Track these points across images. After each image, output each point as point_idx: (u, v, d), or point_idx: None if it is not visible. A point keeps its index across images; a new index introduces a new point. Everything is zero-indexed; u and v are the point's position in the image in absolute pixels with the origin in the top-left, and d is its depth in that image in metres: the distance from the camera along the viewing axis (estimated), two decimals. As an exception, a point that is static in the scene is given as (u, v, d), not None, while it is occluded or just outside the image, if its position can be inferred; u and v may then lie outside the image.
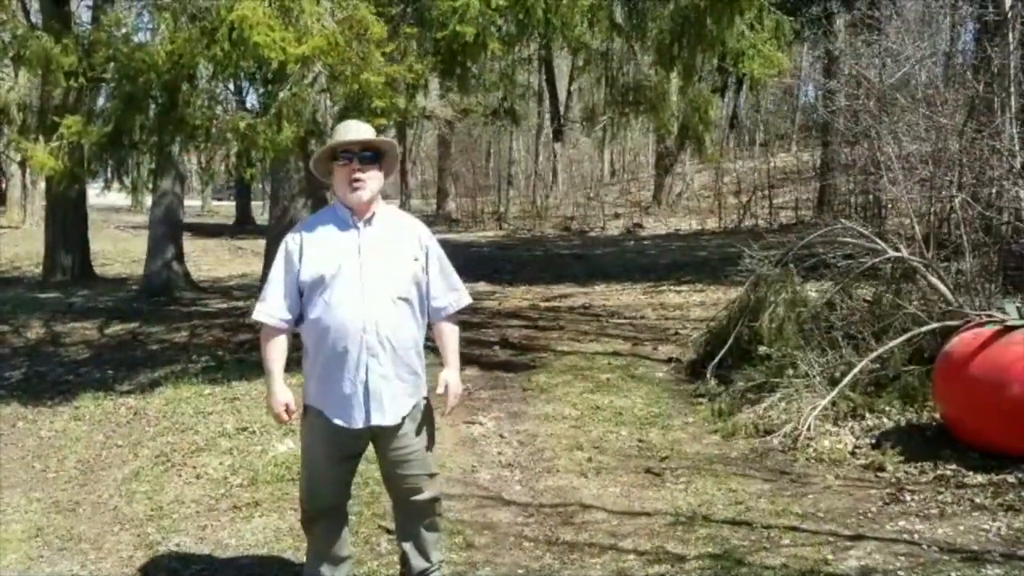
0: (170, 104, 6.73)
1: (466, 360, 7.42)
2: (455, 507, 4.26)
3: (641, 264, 14.91)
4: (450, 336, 3.22)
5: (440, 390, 3.14)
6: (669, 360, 7.28)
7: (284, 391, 3.04)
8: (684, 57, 6.94)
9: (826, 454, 4.78)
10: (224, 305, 11.92)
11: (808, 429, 5.01)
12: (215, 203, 44.26)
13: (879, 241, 5.81)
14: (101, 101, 7.37)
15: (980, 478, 4.24)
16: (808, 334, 5.93)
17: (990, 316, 4.78)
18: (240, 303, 11.50)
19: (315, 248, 2.99)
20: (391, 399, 2.97)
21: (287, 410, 3.03)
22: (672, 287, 11.55)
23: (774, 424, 5.23)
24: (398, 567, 3.39)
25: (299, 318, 3.05)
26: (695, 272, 12.41)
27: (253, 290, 10.55)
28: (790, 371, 5.73)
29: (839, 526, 3.86)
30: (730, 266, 7.31)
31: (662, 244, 18.75)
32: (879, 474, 4.48)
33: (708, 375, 6.28)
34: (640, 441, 5.24)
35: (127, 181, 7.43)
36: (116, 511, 4.44)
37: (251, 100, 8.16)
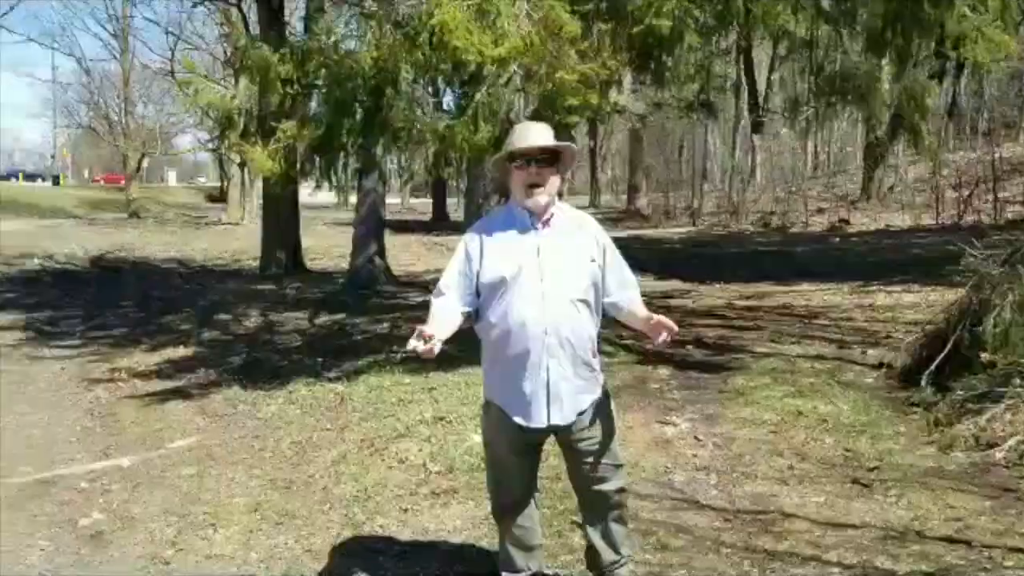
0: (375, 108, 7.07)
1: (659, 359, 7.35)
2: (648, 507, 4.21)
3: (848, 262, 14.14)
4: (637, 309, 3.16)
5: (652, 322, 3.01)
6: (879, 365, 6.83)
7: (431, 328, 2.93)
8: (898, 43, 6.48)
9: (1056, 470, 4.32)
10: (422, 299, 12.40)
11: (1037, 443, 4.55)
12: (413, 200, 46.34)
13: None
14: (313, 106, 7.86)
15: None
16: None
17: None
18: (438, 297, 11.93)
19: (494, 249, 3.02)
20: (570, 398, 3.01)
21: (424, 335, 2.85)
22: (882, 287, 10.85)
23: (998, 437, 4.79)
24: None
25: (475, 316, 3.13)
26: (908, 271, 11.58)
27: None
28: (1017, 380, 5.23)
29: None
30: (948, 265, 6.76)
31: (871, 241, 17.71)
32: None
33: (923, 382, 5.83)
34: (847, 450, 4.95)
35: (334, 181, 7.90)
36: (325, 491, 4.73)
37: (447, 102, 8.40)
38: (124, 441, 6.07)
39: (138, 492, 4.91)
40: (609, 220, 27.31)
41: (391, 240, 20.05)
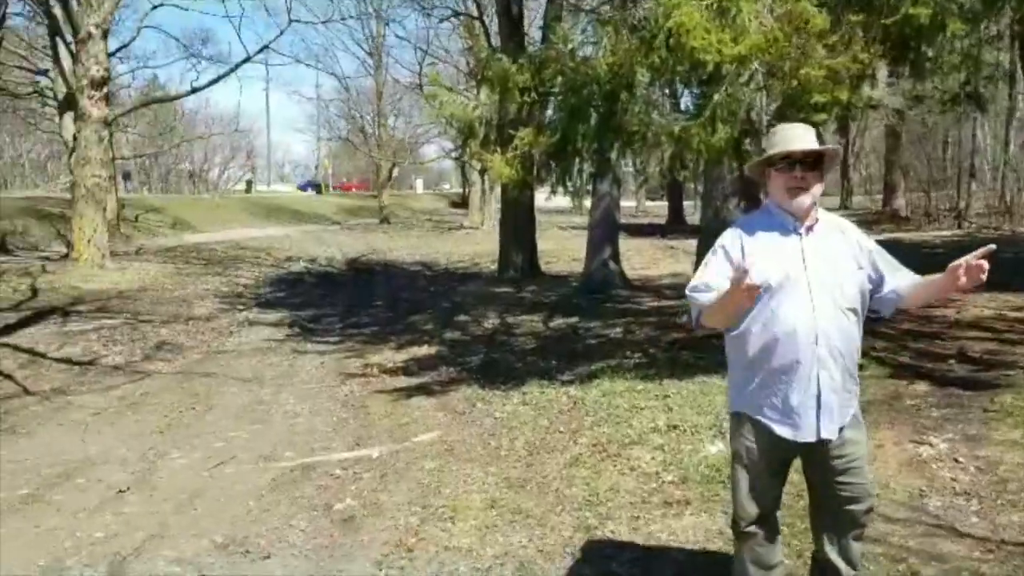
0: (609, 113, 7.09)
1: (915, 374, 6.80)
2: (899, 532, 3.90)
3: None
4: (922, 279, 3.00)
5: (954, 269, 2.75)
6: None
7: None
8: None
9: None
10: (656, 303, 12.33)
11: None
12: (648, 203, 46.11)
13: None
14: (549, 113, 8.01)
15: None
16: None
17: None
18: (672, 302, 11.79)
19: (758, 252, 2.88)
20: (839, 410, 2.91)
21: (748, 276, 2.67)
22: None
23: None
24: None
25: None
26: None
27: (683, 290, 10.74)
28: None
29: None
30: None
31: None
32: None
33: None
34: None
35: (569, 186, 8.01)
36: (558, 492, 4.80)
37: (685, 103, 8.27)
38: (374, 432, 6.50)
39: (385, 481, 5.24)
40: (864, 222, 25.60)
41: (625, 244, 20.09)
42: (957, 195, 24.42)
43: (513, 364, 8.83)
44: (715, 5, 6.37)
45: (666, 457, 5.19)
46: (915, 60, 6.52)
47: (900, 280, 3.01)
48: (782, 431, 2.91)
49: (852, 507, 3.02)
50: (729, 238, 2.98)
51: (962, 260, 2.72)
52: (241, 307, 13.80)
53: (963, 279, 2.72)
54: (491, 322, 11.70)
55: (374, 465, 5.63)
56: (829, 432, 2.89)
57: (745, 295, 2.67)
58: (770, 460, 2.99)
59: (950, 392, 6.29)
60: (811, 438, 2.89)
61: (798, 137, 2.93)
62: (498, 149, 8.14)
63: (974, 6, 6.51)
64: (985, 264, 2.68)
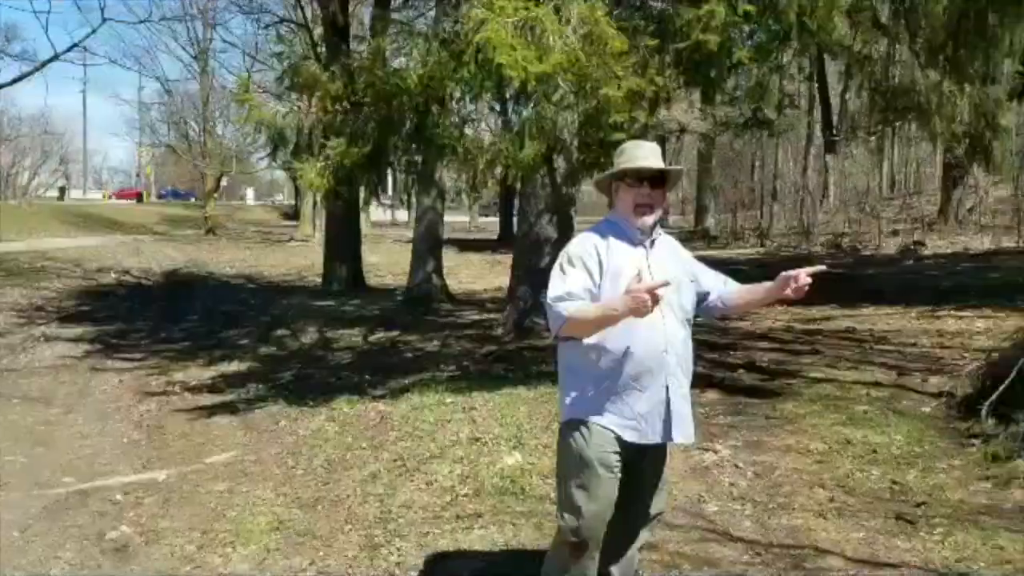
0: (420, 125, 7.07)
1: (707, 383, 7.13)
2: (675, 539, 4.04)
3: (919, 286, 13.58)
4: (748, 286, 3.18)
5: (781, 279, 2.93)
6: (940, 394, 6.48)
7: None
8: (960, 56, 6.18)
9: None
10: (477, 317, 12.39)
11: (1106, 484, 4.22)
12: (482, 219, 46.57)
13: None
14: (361, 124, 7.90)
15: None
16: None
17: None
18: (493, 315, 11.87)
19: (614, 264, 2.94)
20: (689, 418, 3.02)
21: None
22: (953, 312, 10.37)
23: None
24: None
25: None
26: (983, 296, 11.06)
27: (504, 303, 10.86)
28: (1088, 414, 4.89)
29: None
30: None
31: (946, 264, 17.01)
32: None
33: (984, 413, 5.50)
34: (894, 483, 4.68)
35: (383, 199, 7.93)
36: (350, 511, 4.67)
37: (498, 120, 8.38)
38: (166, 454, 6.14)
39: (168, 506, 4.94)
40: (677, 240, 26.90)
41: (455, 258, 20.10)
42: (760, 216, 26.06)
43: (326, 379, 8.61)
44: (522, 23, 6.48)
45: (464, 470, 5.17)
46: (707, 86, 6.87)
47: (723, 289, 3.17)
48: (629, 436, 2.94)
49: (655, 509, 3.15)
50: (584, 249, 2.98)
51: (795, 272, 2.88)
52: (40, 321, 12.78)
53: (791, 290, 2.90)
54: (310, 336, 11.39)
55: (160, 489, 5.31)
56: (684, 436, 2.99)
57: (644, 307, 2.70)
58: (610, 465, 2.96)
59: (738, 400, 6.64)
60: (659, 440, 2.97)
61: (648, 155, 3.02)
62: (309, 158, 7.95)
63: (760, 37, 6.95)
64: (809, 279, 2.86)
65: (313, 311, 13.55)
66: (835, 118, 25.00)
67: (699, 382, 7.08)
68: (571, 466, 2.99)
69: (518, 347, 9.30)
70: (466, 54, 6.59)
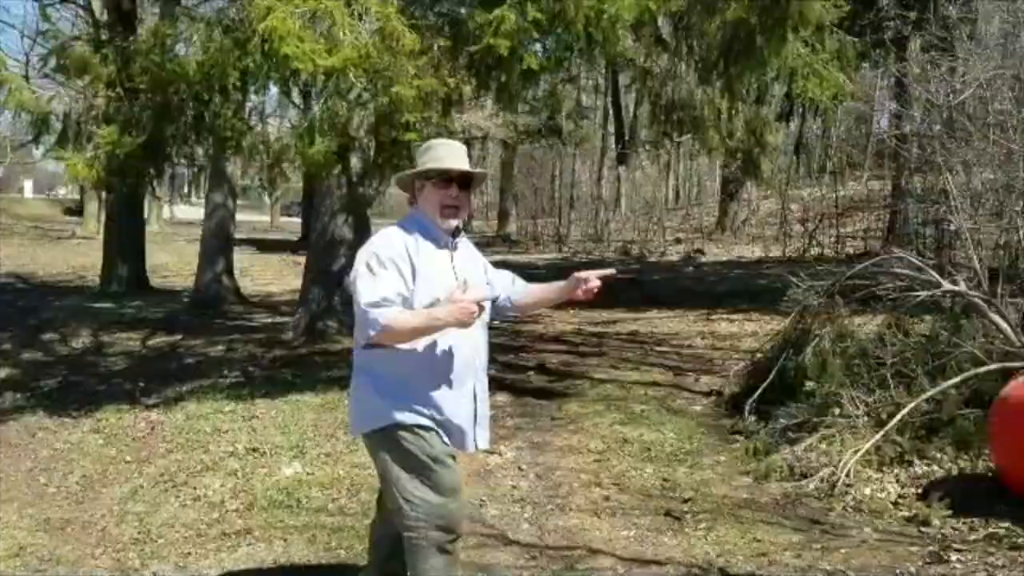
0: (200, 115, 6.66)
1: (498, 385, 7.17)
2: (453, 544, 3.97)
3: (697, 291, 14.44)
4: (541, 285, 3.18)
5: (573, 279, 2.96)
6: (710, 393, 6.87)
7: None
8: (731, 74, 6.58)
9: (866, 503, 4.34)
10: (269, 320, 11.88)
11: (848, 475, 4.57)
12: (284, 219, 45.03)
13: (933, 274, 5.34)
14: (136, 111, 7.35)
15: (1037, 540, 3.77)
16: (855, 371, 5.48)
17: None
18: (286, 318, 11.43)
19: (424, 266, 2.81)
20: (488, 422, 2.97)
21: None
22: (726, 315, 11.08)
23: (811, 467, 4.81)
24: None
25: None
26: (752, 300, 11.88)
27: (297, 306, 10.46)
28: (835, 410, 5.31)
29: (871, 589, 3.45)
30: (787, 296, 6.87)
31: (722, 271, 18.22)
32: (923, 529, 4.04)
33: (747, 411, 5.86)
34: (665, 480, 4.87)
35: (160, 192, 7.40)
36: (104, 532, 4.28)
37: (291, 113, 8.07)
38: None
39: None
40: (479, 245, 27.10)
41: (253, 259, 19.25)
42: (559, 222, 26.89)
43: (95, 387, 7.94)
44: (311, 14, 6.24)
45: (237, 483, 4.88)
46: (499, 90, 6.92)
47: (512, 289, 3.13)
48: (449, 444, 2.87)
49: None
50: (395, 250, 2.81)
51: (586, 274, 2.90)
52: None
53: (581, 292, 2.93)
54: (82, 341, 10.47)
55: None
56: (483, 441, 2.94)
57: (470, 319, 2.67)
58: (445, 460, 2.83)
59: (526, 402, 6.72)
60: (470, 449, 2.91)
61: (456, 156, 2.94)
62: (78, 147, 7.29)
63: (551, 45, 7.09)
64: (598, 283, 2.91)
65: (88, 313, 12.48)
66: (627, 131, 26.31)
67: (490, 384, 7.13)
68: (411, 469, 2.79)
69: (309, 351, 8.99)
70: (251, 43, 6.27)
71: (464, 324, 2.70)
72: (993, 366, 4.83)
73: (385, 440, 2.81)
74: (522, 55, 6.45)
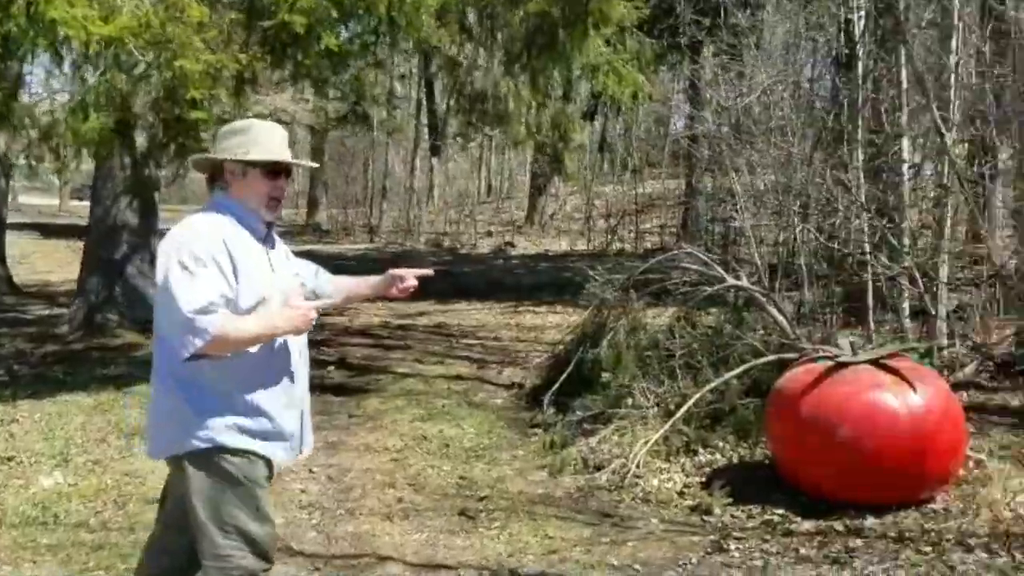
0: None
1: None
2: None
3: (505, 283, 14.59)
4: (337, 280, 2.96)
5: (389, 275, 2.84)
6: (511, 385, 6.88)
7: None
8: (534, 66, 6.59)
9: (653, 494, 4.43)
10: (44, 311, 10.85)
11: (637, 466, 4.66)
12: (74, 203, 41.59)
13: (718, 269, 5.57)
14: None
15: (807, 525, 3.97)
16: (647, 363, 5.63)
17: (825, 351, 4.56)
18: (64, 310, 10.46)
19: (244, 262, 2.47)
20: (309, 428, 2.73)
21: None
22: (532, 307, 11.23)
23: (604, 459, 4.88)
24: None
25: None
26: (557, 293, 12.12)
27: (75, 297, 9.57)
28: (628, 401, 5.43)
29: (656, 581, 3.50)
30: (585, 289, 6.96)
31: (530, 264, 18.54)
32: (705, 518, 4.16)
33: (545, 403, 5.89)
34: (461, 478, 4.77)
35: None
36: None
37: (63, 85, 7.33)
38: None
39: None
40: (288, 234, 26.36)
41: (36, 245, 17.65)
42: (370, 213, 26.47)
43: None
44: (82, -24, 5.66)
45: (-15, 497, 4.32)
46: (295, 68, 6.58)
47: (317, 282, 2.88)
48: (283, 454, 2.56)
49: None
50: (215, 245, 2.44)
51: (403, 272, 2.79)
52: None
53: (396, 290, 2.80)
54: None
55: None
56: (309, 446, 2.72)
57: (309, 327, 2.49)
58: (264, 484, 2.54)
59: (325, 399, 6.43)
60: (296, 456, 2.66)
61: (283, 142, 2.64)
62: None
63: (354, 26, 6.84)
64: (415, 282, 2.80)
65: None
66: (439, 122, 26.25)
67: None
68: (231, 495, 2.46)
69: (85, 347, 8.24)
70: (14, 5, 5.61)
71: (299, 332, 2.51)
72: (771, 357, 5.09)
73: (204, 463, 2.46)
74: (320, 34, 6.16)
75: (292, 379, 2.56)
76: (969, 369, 6.00)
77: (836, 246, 6.39)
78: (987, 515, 3.95)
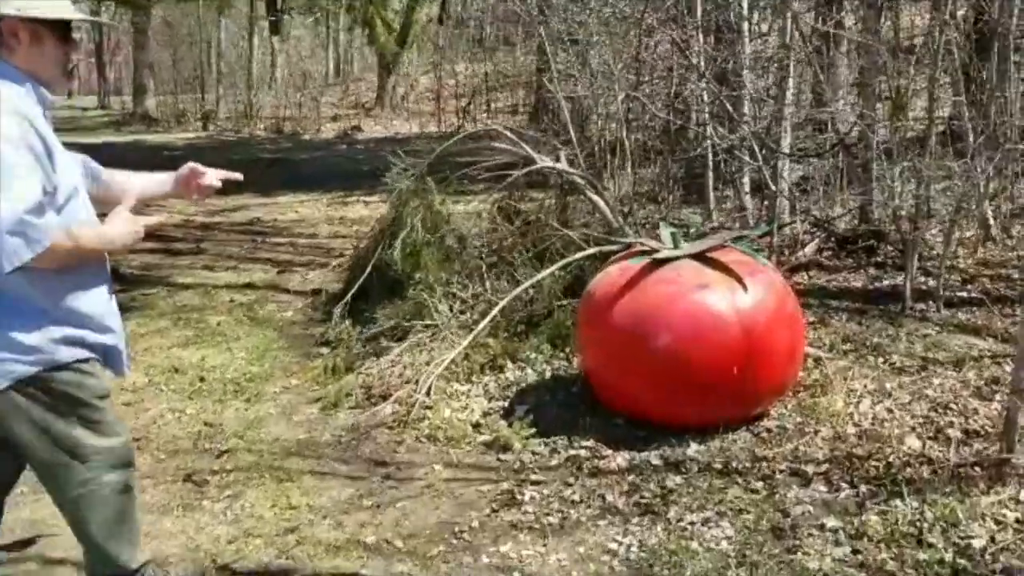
0: None
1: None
2: None
3: (343, 171, 13.39)
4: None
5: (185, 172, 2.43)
6: (310, 293, 5.91)
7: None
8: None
9: (443, 430, 3.59)
10: None
11: (428, 393, 3.82)
12: None
13: (526, 148, 4.65)
14: None
15: (620, 460, 3.24)
16: (452, 262, 4.75)
17: (645, 244, 3.77)
18: None
19: (56, 145, 2.08)
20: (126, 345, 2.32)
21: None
22: (364, 197, 10.14)
23: (393, 386, 4.00)
24: None
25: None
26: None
27: None
28: (432, 309, 4.54)
29: (417, 563, 2.68)
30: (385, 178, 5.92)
31: (375, 149, 17.27)
32: (502, 457, 3.38)
33: (336, 315, 4.95)
34: (207, 425, 3.80)
35: None
36: None
37: None
38: None
39: None
40: (113, 124, 24.02)
41: None
42: (203, 98, 24.27)
43: None
44: None
45: None
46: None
47: (103, 183, 2.34)
48: (119, 371, 2.26)
49: None
50: (23, 127, 1.99)
51: (204, 169, 2.41)
52: None
53: (196, 192, 2.43)
54: None
55: None
56: (129, 369, 2.34)
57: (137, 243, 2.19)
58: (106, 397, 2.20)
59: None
60: (127, 373, 2.31)
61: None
62: None
63: None
64: (217, 183, 2.44)
65: None
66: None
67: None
68: (73, 415, 2.12)
69: None
70: None
71: (129, 248, 2.21)
72: (589, 251, 4.29)
73: (32, 389, 2.05)
74: None
75: (109, 290, 2.19)
76: (810, 248, 5.42)
77: (671, 117, 5.59)
78: (827, 432, 3.33)
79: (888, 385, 3.69)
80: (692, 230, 4.49)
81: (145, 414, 3.91)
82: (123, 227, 2.11)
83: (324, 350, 4.69)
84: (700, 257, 3.48)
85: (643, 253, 3.61)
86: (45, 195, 1.97)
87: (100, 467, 2.17)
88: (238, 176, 2.50)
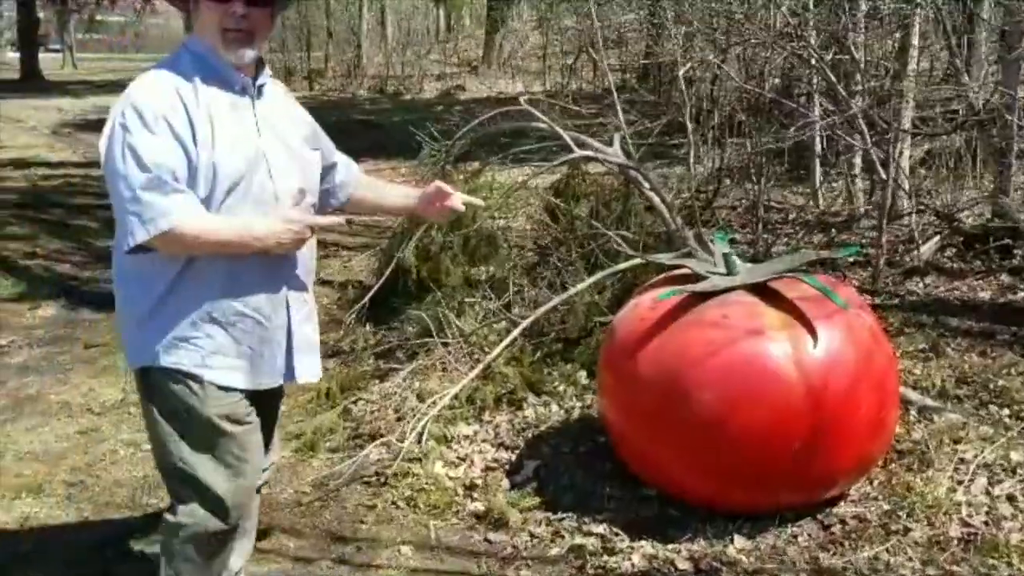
0: None
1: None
2: None
3: (431, 134, 12.80)
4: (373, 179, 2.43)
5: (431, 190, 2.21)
6: (344, 285, 5.32)
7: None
8: None
9: (428, 492, 2.87)
10: None
11: (420, 439, 3.12)
12: (11, 54, 38.76)
13: (561, 132, 3.81)
14: None
15: (636, 557, 2.46)
16: (477, 266, 4.02)
17: (690, 266, 2.90)
18: None
19: (217, 125, 1.88)
20: (309, 349, 2.12)
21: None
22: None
23: (383, 424, 3.33)
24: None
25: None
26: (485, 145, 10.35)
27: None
28: (448, 324, 3.83)
29: None
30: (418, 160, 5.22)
31: (474, 108, 16.62)
32: (491, 537, 2.65)
33: (351, 320, 4.31)
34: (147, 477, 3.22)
35: None
36: None
37: None
38: None
39: None
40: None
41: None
42: (308, 56, 24.11)
43: None
44: None
45: None
46: None
47: (349, 172, 2.29)
48: (266, 381, 2.03)
49: (268, 466, 2.35)
50: (164, 100, 1.85)
51: (451, 192, 2.19)
52: None
53: (436, 212, 2.26)
54: None
55: None
56: (309, 371, 2.12)
57: (300, 246, 1.97)
58: (240, 418, 2.00)
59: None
60: (278, 382, 2.09)
61: None
62: None
63: None
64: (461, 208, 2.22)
65: None
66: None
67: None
68: (187, 432, 1.97)
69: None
70: None
71: (289, 250, 1.96)
72: (634, 260, 3.45)
73: (155, 386, 1.96)
74: None
75: (269, 287, 1.98)
76: (928, 247, 4.40)
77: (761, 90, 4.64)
78: (922, 533, 2.46)
79: (1016, 457, 2.77)
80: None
81: (92, 452, 3.34)
82: (277, 224, 1.90)
83: (331, 363, 4.05)
84: (758, 289, 2.62)
85: (686, 279, 2.77)
86: (179, 174, 1.81)
87: (194, 498, 2.04)
88: (479, 202, 2.43)
